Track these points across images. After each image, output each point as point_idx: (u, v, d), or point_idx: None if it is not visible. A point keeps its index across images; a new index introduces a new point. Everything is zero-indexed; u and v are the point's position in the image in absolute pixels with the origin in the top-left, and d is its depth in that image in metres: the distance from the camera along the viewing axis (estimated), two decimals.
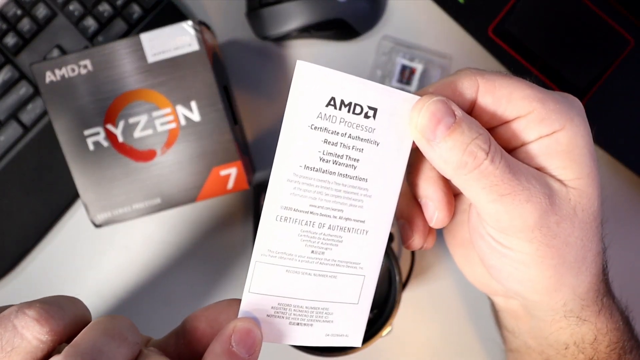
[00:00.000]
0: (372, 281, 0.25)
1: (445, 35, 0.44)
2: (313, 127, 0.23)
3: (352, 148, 0.23)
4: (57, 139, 0.37)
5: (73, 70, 0.37)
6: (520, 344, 0.32)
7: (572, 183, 0.24)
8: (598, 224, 0.25)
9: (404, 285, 0.43)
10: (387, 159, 0.24)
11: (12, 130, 0.43)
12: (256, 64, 0.44)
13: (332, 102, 0.23)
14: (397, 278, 0.38)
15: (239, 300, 0.23)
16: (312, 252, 0.24)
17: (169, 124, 0.37)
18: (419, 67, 0.43)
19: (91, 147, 0.37)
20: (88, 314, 0.23)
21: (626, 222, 0.44)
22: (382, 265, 0.26)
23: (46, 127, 0.43)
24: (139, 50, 0.37)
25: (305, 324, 0.24)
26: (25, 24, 0.43)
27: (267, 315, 0.24)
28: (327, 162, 0.23)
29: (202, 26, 0.37)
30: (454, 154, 0.22)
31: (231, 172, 0.38)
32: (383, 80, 0.44)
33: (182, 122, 0.37)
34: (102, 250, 0.45)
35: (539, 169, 0.24)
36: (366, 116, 0.23)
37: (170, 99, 0.37)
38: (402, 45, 0.44)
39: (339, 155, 0.23)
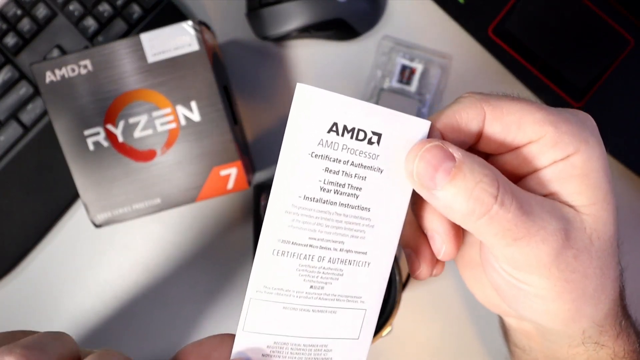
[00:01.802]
0: (373, 315, 0.24)
1: (445, 35, 0.44)
2: (314, 155, 0.21)
3: (355, 176, 0.22)
4: (57, 139, 0.37)
5: (73, 70, 0.37)
6: None
7: (586, 209, 0.22)
8: (615, 248, 0.24)
9: (404, 285, 0.43)
10: (391, 186, 0.22)
11: (12, 130, 0.43)
12: (256, 64, 0.44)
13: (334, 128, 0.21)
14: (397, 278, 0.38)
15: (233, 336, 0.22)
16: (311, 287, 0.22)
17: (169, 124, 0.37)
18: (419, 67, 0.43)
19: (91, 147, 0.37)
20: (76, 349, 0.21)
21: (626, 223, 0.44)
22: None
23: (46, 127, 0.43)
24: (139, 50, 0.37)
25: None
26: (25, 24, 0.43)
27: (263, 355, 0.22)
28: (328, 191, 0.22)
29: (202, 26, 0.37)
30: (459, 201, 0.21)
31: (231, 172, 0.38)
32: (383, 80, 0.44)
33: (182, 122, 0.37)
34: (102, 250, 0.45)
35: (552, 194, 0.23)
36: (370, 142, 0.22)
37: (170, 99, 0.37)
38: (402, 45, 0.44)
39: (340, 184, 0.22)
